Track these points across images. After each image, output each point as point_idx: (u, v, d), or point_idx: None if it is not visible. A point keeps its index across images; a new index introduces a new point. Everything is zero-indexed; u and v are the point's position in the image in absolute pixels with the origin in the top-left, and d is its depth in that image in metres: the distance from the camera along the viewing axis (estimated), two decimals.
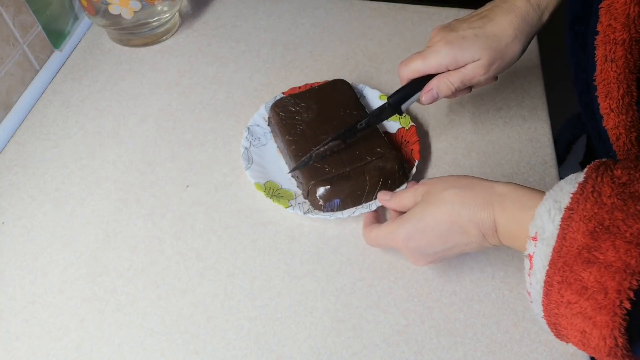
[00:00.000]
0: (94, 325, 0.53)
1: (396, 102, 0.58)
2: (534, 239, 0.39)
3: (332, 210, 0.59)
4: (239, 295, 0.55)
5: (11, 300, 0.55)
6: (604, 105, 0.44)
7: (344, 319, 0.53)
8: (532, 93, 0.72)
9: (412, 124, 0.66)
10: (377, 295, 0.54)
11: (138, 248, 0.59)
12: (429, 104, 0.57)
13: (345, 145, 0.60)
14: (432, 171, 0.65)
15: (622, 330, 0.34)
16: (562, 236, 0.37)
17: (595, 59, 0.42)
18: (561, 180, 0.39)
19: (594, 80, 0.44)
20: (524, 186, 0.43)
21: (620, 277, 0.34)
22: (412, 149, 0.64)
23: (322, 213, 0.59)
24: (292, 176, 0.63)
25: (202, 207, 0.62)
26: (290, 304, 0.54)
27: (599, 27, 0.41)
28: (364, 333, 0.52)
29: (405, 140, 0.66)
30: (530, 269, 0.40)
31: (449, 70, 0.55)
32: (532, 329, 0.52)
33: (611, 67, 0.41)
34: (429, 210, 0.47)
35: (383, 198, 0.55)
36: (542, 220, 0.38)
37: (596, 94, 0.44)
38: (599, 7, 0.40)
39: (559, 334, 0.40)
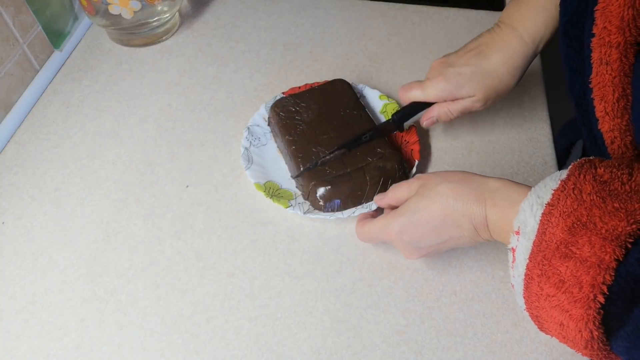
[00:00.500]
0: (94, 325, 0.53)
1: (399, 120, 0.62)
2: (517, 233, 0.40)
3: (333, 211, 0.59)
4: (239, 295, 0.55)
5: (11, 300, 0.55)
6: (599, 108, 0.44)
7: (344, 319, 0.53)
8: (532, 93, 0.72)
9: (412, 124, 0.66)
10: (377, 295, 0.54)
11: (138, 248, 0.59)
12: (428, 127, 0.64)
13: (347, 151, 0.61)
14: (432, 171, 0.65)
15: (597, 323, 0.35)
16: (542, 231, 0.38)
17: (591, 61, 0.42)
18: (547, 177, 0.41)
19: (590, 82, 0.44)
20: (515, 182, 0.44)
21: (594, 272, 0.35)
22: (412, 149, 0.64)
23: (322, 213, 0.59)
24: (292, 176, 0.63)
25: (202, 207, 0.62)
26: (290, 304, 0.54)
27: (594, 30, 0.41)
28: (364, 333, 0.52)
29: (405, 140, 0.66)
30: (512, 262, 0.41)
31: (447, 101, 0.59)
32: (532, 329, 0.52)
33: (606, 70, 0.41)
34: (423, 204, 0.47)
35: (378, 198, 0.56)
36: (525, 215, 0.40)
37: (592, 96, 0.44)
38: (594, 9, 0.40)
39: (541, 327, 0.42)
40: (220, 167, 0.66)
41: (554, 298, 0.38)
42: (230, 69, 0.78)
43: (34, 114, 0.73)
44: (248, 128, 0.67)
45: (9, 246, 0.60)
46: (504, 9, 0.58)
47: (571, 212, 0.36)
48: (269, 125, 0.68)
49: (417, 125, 0.66)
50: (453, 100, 0.59)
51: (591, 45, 0.42)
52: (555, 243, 0.37)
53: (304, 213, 0.58)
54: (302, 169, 0.60)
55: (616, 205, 0.35)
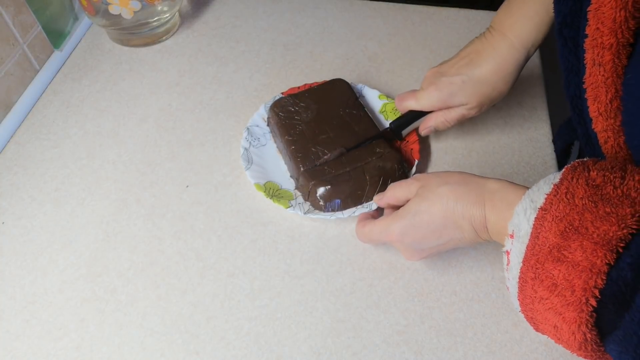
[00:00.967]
0: (94, 325, 0.53)
1: (397, 128, 0.64)
2: (512, 236, 0.41)
3: (333, 211, 0.59)
4: (239, 295, 0.55)
5: (11, 300, 0.55)
6: (592, 108, 0.44)
7: (344, 319, 0.53)
8: (532, 93, 0.72)
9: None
10: (377, 295, 0.54)
11: (138, 248, 0.59)
12: (426, 135, 0.65)
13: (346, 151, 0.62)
14: (432, 171, 0.65)
15: (590, 326, 0.36)
16: (536, 235, 0.38)
17: (585, 62, 0.42)
18: (541, 180, 0.41)
19: (584, 82, 0.44)
20: (514, 184, 0.44)
21: (586, 276, 0.35)
22: (411, 149, 0.64)
23: (322, 213, 0.59)
24: (291, 176, 0.63)
25: (202, 207, 0.62)
26: (290, 304, 0.54)
27: (587, 30, 0.41)
28: (364, 333, 0.52)
29: (405, 140, 0.66)
30: (507, 264, 0.42)
31: (441, 109, 0.60)
32: (532, 329, 0.51)
33: (599, 71, 0.41)
34: (424, 206, 0.48)
35: (377, 198, 0.56)
36: (518, 219, 0.40)
37: (585, 96, 0.44)
38: (587, 10, 0.40)
39: (537, 328, 0.42)
40: (220, 167, 0.66)
41: (547, 301, 0.38)
42: (230, 69, 0.78)
43: (34, 114, 0.73)
44: (247, 128, 0.67)
45: (9, 246, 0.60)
46: (496, 14, 0.58)
47: (563, 216, 0.37)
48: (268, 125, 0.68)
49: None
50: (447, 108, 0.60)
51: (584, 46, 0.42)
52: (548, 247, 0.37)
53: (304, 213, 0.58)
54: (302, 168, 0.60)
55: (607, 209, 0.35)
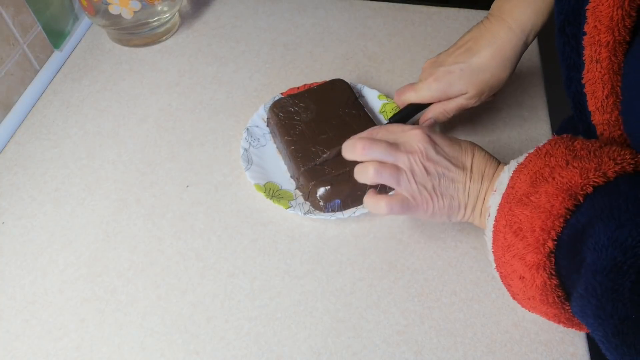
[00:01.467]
0: (94, 325, 0.53)
1: (397, 122, 0.62)
2: (495, 190, 0.46)
3: (333, 211, 0.59)
4: (239, 295, 0.55)
5: (11, 300, 0.55)
6: (590, 103, 0.45)
7: (344, 319, 0.53)
8: (532, 93, 0.72)
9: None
10: (377, 295, 0.54)
11: (138, 248, 0.59)
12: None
13: None
14: None
15: (548, 270, 0.39)
16: (512, 185, 0.43)
17: (584, 58, 0.43)
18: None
19: (583, 78, 0.45)
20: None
21: (545, 217, 0.38)
22: None
23: (322, 213, 0.59)
24: (291, 177, 0.63)
25: (202, 207, 0.62)
26: (290, 304, 0.54)
27: (585, 28, 0.42)
28: (364, 333, 0.52)
29: None
30: (487, 217, 0.46)
31: (441, 100, 0.60)
32: (532, 329, 0.52)
33: (596, 68, 0.42)
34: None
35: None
36: (503, 175, 0.45)
37: (585, 91, 0.45)
38: (586, 8, 0.41)
39: (510, 289, 0.46)
40: (220, 167, 0.66)
41: (513, 247, 0.41)
42: (230, 69, 0.78)
43: (34, 114, 0.73)
44: (247, 129, 0.67)
45: (9, 246, 0.60)
46: (495, 1, 0.58)
47: (538, 170, 0.41)
48: (267, 126, 0.68)
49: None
50: (447, 99, 0.59)
51: (583, 43, 0.43)
52: (520, 195, 0.41)
53: (305, 214, 0.58)
54: (302, 168, 0.60)
55: (576, 164, 0.39)
